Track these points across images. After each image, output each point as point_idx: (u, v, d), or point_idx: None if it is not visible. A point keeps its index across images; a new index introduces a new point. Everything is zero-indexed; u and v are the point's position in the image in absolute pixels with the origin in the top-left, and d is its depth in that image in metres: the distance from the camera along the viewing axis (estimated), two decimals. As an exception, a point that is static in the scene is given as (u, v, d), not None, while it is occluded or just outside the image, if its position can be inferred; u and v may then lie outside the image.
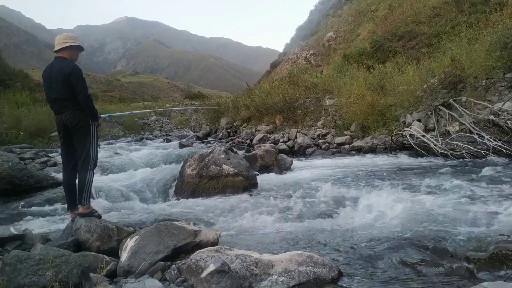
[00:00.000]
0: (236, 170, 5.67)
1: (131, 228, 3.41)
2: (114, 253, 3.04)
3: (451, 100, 7.80)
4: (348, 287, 2.38)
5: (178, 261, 2.64)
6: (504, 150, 6.43)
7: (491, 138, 6.68)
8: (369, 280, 2.47)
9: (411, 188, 4.94)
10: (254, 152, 7.43)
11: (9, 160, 5.71)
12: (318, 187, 5.39)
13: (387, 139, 8.45)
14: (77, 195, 3.56)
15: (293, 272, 2.34)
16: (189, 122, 20.87)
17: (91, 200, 3.61)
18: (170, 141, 13.09)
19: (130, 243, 2.85)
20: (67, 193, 3.67)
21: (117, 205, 5.14)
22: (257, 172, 6.45)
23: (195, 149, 9.59)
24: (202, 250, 2.62)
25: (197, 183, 5.63)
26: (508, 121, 6.74)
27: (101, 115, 4.46)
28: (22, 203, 4.97)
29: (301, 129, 10.79)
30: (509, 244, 2.64)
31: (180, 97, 45.57)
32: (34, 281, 2.02)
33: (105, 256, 2.82)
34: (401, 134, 8.08)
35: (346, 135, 9.39)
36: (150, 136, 15.46)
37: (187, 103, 28.40)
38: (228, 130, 13.57)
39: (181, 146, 10.80)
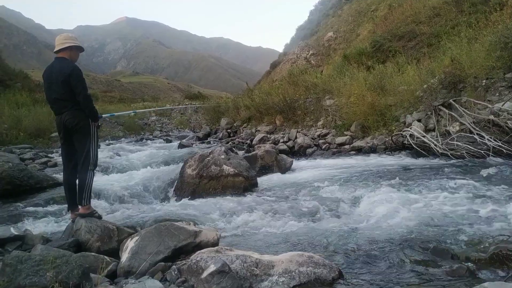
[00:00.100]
0: (236, 171, 5.67)
1: (132, 229, 3.41)
2: (115, 253, 3.04)
3: (451, 100, 7.80)
4: (349, 288, 2.38)
5: (179, 262, 2.64)
6: (504, 150, 6.42)
7: (491, 138, 6.68)
8: (370, 281, 2.47)
9: (411, 189, 4.94)
10: (254, 152, 7.43)
11: (9, 161, 5.71)
12: (319, 187, 5.39)
13: (387, 139, 8.45)
14: (77, 195, 3.56)
15: (293, 273, 2.34)
16: (189, 122, 20.89)
17: (91, 200, 3.61)
18: (170, 141, 13.10)
19: (130, 243, 2.85)
20: (67, 193, 3.68)
21: (117, 205, 5.15)
22: (257, 173, 6.45)
23: (195, 150, 9.60)
24: (202, 250, 2.62)
25: (198, 184, 5.63)
26: (508, 121, 6.74)
27: (103, 115, 4.46)
28: (23, 203, 4.97)
29: (301, 130, 10.79)
30: (510, 244, 2.65)
31: (180, 97, 45.56)
32: (35, 282, 2.02)
33: (106, 257, 2.82)
34: (401, 134, 8.08)
35: (346, 135, 9.39)
36: (150, 137, 15.47)
37: (187, 103, 28.39)
38: (228, 130, 13.57)
39: (181, 146, 10.81)
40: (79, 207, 3.54)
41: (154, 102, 34.99)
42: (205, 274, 2.26)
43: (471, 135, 7.03)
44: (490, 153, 6.47)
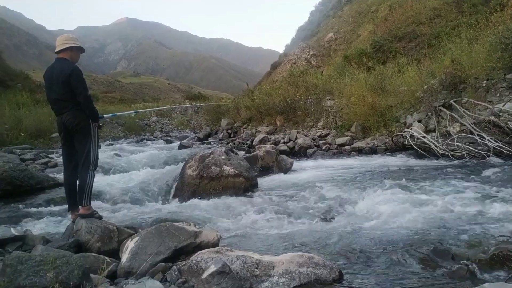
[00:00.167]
0: (236, 171, 5.67)
1: (132, 229, 3.41)
2: (115, 254, 3.04)
3: (451, 101, 7.80)
4: (349, 288, 2.38)
5: (179, 262, 2.64)
6: (504, 151, 6.43)
7: (491, 139, 6.68)
8: (370, 281, 2.47)
9: (412, 189, 4.93)
10: (254, 153, 7.43)
11: (10, 161, 5.73)
12: (319, 188, 5.39)
13: (387, 140, 8.45)
14: (77, 196, 3.56)
15: (293, 273, 2.34)
16: (189, 123, 20.89)
17: (91, 201, 3.61)
18: (170, 142, 13.11)
19: (130, 244, 2.85)
20: (67, 194, 3.68)
21: (117, 206, 5.15)
22: (257, 173, 6.45)
23: (195, 150, 9.60)
24: (202, 251, 2.62)
25: (198, 184, 5.63)
26: (508, 122, 6.74)
27: (104, 115, 4.46)
28: (23, 204, 4.98)
29: (302, 130, 10.79)
30: (510, 245, 2.64)
31: (181, 98, 45.59)
32: (35, 282, 2.02)
33: (106, 257, 2.82)
34: (402, 135, 8.08)
35: (347, 136, 9.39)
36: (151, 137, 15.48)
37: (188, 104, 28.41)
38: (229, 131, 13.57)
39: (182, 147, 10.82)
40: (80, 207, 3.54)
41: (155, 103, 35.00)
42: (205, 274, 2.26)
43: (472, 136, 7.03)
44: (491, 154, 6.47)
